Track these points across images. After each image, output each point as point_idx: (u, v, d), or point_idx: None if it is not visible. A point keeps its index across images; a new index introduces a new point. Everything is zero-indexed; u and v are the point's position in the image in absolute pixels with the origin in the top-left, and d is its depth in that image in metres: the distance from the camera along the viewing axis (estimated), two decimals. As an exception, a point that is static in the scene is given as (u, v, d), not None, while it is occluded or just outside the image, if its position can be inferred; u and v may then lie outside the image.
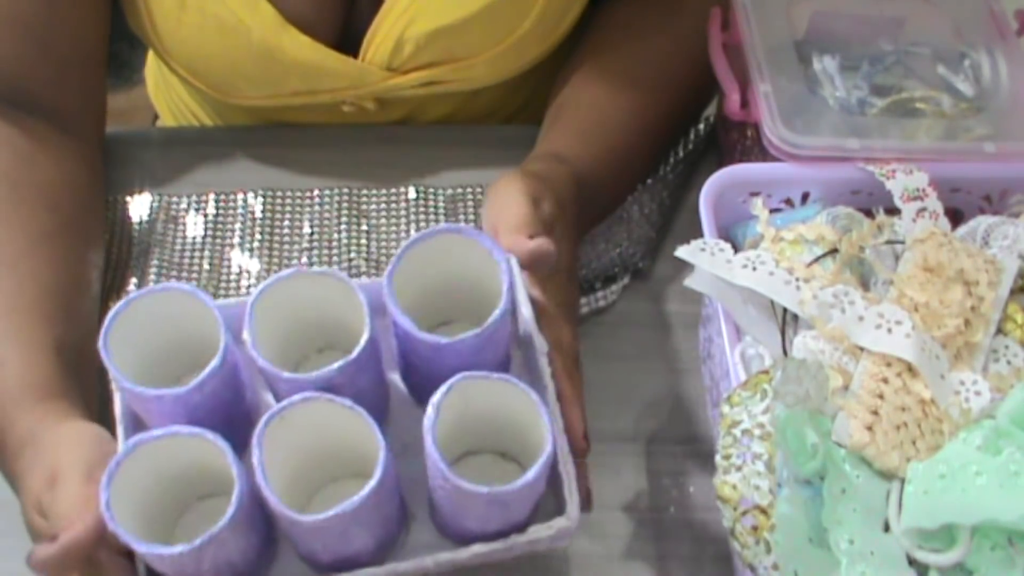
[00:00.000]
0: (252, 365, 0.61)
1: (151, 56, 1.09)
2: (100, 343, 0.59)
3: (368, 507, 0.56)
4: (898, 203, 0.71)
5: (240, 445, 0.58)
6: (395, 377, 0.69)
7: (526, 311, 0.65)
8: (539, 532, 0.59)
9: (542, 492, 0.61)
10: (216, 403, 0.60)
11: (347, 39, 0.84)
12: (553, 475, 0.62)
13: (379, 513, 0.59)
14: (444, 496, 0.59)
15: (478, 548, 0.59)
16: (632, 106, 0.84)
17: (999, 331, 0.66)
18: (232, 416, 0.62)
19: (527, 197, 0.69)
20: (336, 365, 0.58)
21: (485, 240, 0.62)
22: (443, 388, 0.57)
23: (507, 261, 0.61)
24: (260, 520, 0.60)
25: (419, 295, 0.62)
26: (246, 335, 0.60)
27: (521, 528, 0.60)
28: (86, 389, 0.71)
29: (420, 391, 0.60)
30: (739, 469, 0.58)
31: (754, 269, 0.66)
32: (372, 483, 0.55)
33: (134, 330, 0.61)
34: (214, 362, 0.59)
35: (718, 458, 0.59)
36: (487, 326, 0.59)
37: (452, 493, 0.57)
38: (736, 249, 0.68)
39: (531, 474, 0.55)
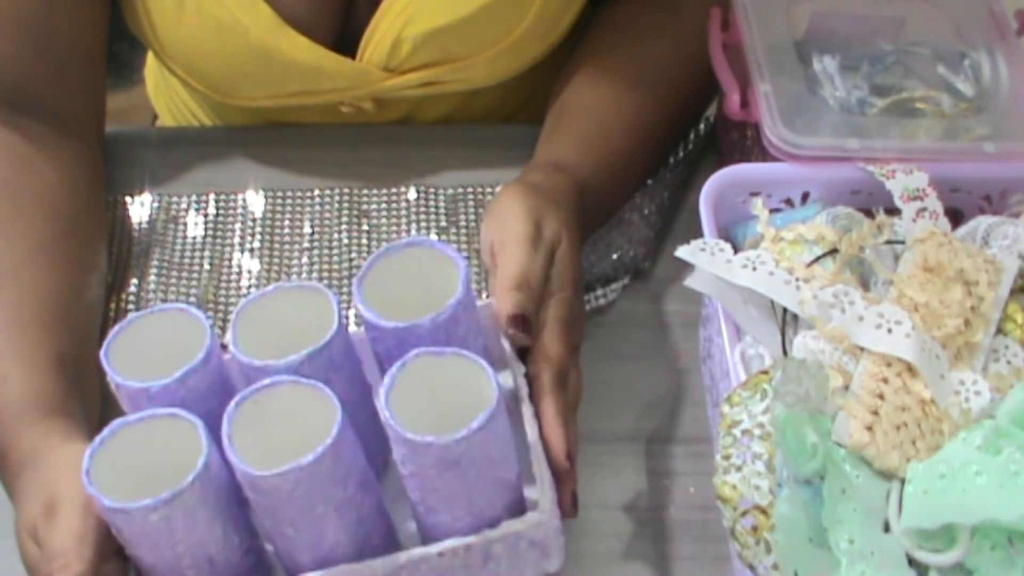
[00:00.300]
0: (241, 381, 0.63)
1: (151, 56, 1.09)
2: (102, 352, 0.61)
3: (326, 468, 0.56)
4: (898, 203, 0.71)
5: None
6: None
7: (506, 345, 0.68)
8: (512, 526, 0.61)
9: (504, 466, 0.61)
10: (206, 409, 0.61)
11: (345, 40, 0.84)
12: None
13: (345, 491, 0.59)
14: (408, 473, 0.59)
15: (451, 542, 0.60)
16: (633, 109, 0.84)
17: (999, 331, 0.66)
18: (217, 424, 0.62)
19: (530, 220, 0.70)
20: (305, 351, 0.60)
21: (451, 251, 0.64)
22: (399, 363, 0.59)
23: (465, 260, 0.63)
24: (238, 518, 0.61)
25: (389, 308, 0.64)
26: (228, 337, 0.62)
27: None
28: (89, 400, 0.71)
29: None
30: (739, 469, 0.58)
31: (754, 269, 0.66)
32: (328, 441, 0.56)
33: (132, 351, 0.62)
34: (200, 355, 0.61)
35: (718, 458, 0.59)
36: (443, 310, 0.61)
37: (409, 459, 0.58)
38: (736, 249, 0.68)
39: (475, 423, 0.56)
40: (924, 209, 0.71)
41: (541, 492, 0.62)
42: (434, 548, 0.60)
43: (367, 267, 0.64)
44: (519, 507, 0.63)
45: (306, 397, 0.59)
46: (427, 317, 0.61)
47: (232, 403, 0.58)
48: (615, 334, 0.80)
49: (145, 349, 0.63)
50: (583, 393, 0.75)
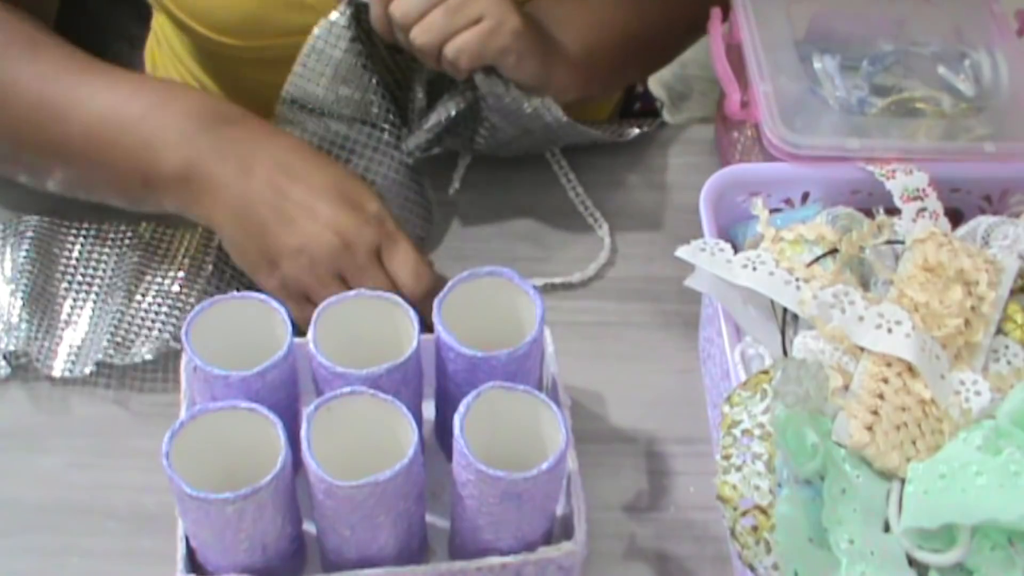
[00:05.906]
0: (307, 373, 0.66)
1: (148, 56, 1.09)
2: (183, 333, 0.63)
3: (397, 484, 0.59)
4: (898, 203, 0.71)
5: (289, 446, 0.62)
6: (429, 438, 0.73)
7: (553, 368, 0.71)
8: (547, 552, 0.63)
9: (554, 500, 0.64)
10: (275, 400, 0.64)
11: None
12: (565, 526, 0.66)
13: (406, 504, 0.61)
14: (467, 495, 0.61)
15: (492, 560, 0.63)
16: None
17: (999, 331, 0.66)
18: (286, 418, 0.64)
19: None
20: (384, 366, 0.63)
21: (529, 287, 0.66)
22: (474, 392, 0.61)
23: (539, 297, 0.66)
24: (294, 510, 0.64)
25: (459, 327, 0.66)
26: (309, 336, 0.64)
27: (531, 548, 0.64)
28: None
29: (450, 433, 0.63)
30: (739, 469, 0.58)
31: (754, 269, 0.66)
32: (404, 461, 0.58)
33: (209, 334, 0.65)
34: (280, 352, 0.64)
35: (718, 458, 0.59)
36: (520, 347, 0.64)
37: (473, 485, 0.60)
38: (736, 249, 0.68)
39: (545, 464, 0.59)
40: (924, 209, 0.71)
41: (577, 523, 0.65)
42: (474, 563, 0.63)
43: (447, 289, 0.66)
44: (552, 529, 0.66)
45: (380, 410, 0.61)
46: (504, 351, 0.64)
47: (311, 407, 0.61)
48: (615, 334, 0.80)
49: (216, 333, 0.65)
50: (584, 393, 0.75)
